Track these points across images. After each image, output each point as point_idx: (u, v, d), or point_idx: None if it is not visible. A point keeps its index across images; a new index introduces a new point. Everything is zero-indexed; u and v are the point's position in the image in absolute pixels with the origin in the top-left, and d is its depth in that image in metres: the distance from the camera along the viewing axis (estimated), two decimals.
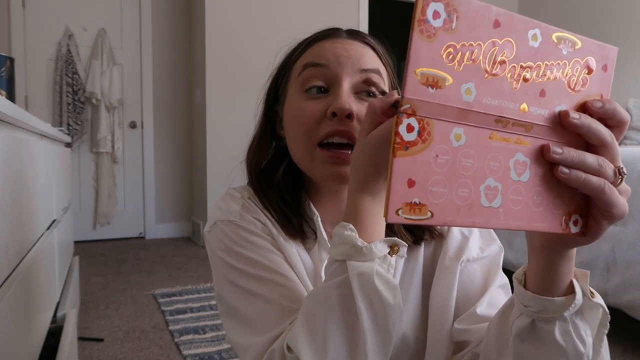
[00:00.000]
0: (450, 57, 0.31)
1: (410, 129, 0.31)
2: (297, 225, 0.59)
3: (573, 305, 0.41)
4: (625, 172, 0.36)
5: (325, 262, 0.55)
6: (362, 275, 0.42)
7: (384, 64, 0.59)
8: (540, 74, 0.34)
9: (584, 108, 0.36)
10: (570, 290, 0.42)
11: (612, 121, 0.36)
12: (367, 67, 0.55)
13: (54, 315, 1.27)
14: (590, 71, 0.36)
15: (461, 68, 0.31)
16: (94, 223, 3.76)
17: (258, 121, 0.66)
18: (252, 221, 0.58)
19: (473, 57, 0.32)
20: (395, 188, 0.30)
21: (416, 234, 0.60)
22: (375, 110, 0.42)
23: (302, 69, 0.56)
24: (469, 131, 0.32)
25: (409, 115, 0.31)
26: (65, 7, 3.59)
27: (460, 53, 0.31)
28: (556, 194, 0.36)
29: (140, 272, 2.82)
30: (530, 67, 0.34)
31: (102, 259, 3.17)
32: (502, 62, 0.33)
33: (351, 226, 0.44)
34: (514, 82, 0.33)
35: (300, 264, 0.58)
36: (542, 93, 0.34)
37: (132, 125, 3.86)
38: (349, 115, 0.52)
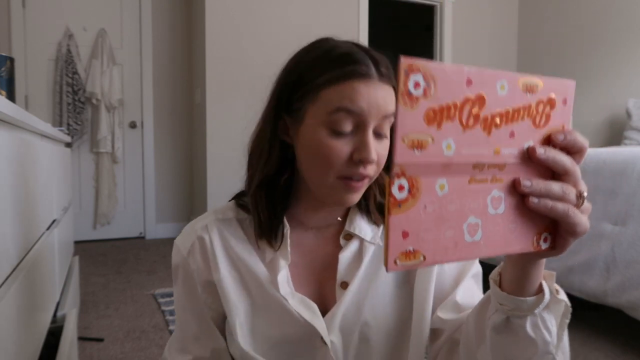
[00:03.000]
0: (431, 119, 0.35)
1: (401, 188, 0.35)
2: (275, 234, 0.66)
3: (542, 304, 0.48)
4: (586, 194, 0.42)
5: (284, 268, 0.65)
6: None
7: (395, 92, 0.62)
8: (510, 118, 0.39)
9: (548, 141, 0.41)
10: (540, 290, 0.48)
11: (573, 149, 0.41)
12: (388, 113, 0.59)
13: (54, 315, 1.27)
14: (552, 106, 0.41)
15: (441, 127, 0.36)
16: (94, 223, 3.76)
17: (261, 119, 0.67)
18: (191, 265, 0.69)
19: (450, 116, 0.36)
20: (392, 241, 0.35)
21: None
22: None
23: (334, 110, 0.57)
24: (452, 180, 0.37)
25: (399, 177, 0.35)
26: (65, 7, 3.59)
27: (439, 114, 0.35)
28: (528, 219, 0.41)
29: (140, 272, 2.82)
30: (500, 114, 0.38)
31: (102, 259, 3.17)
32: (476, 115, 0.37)
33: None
34: (487, 130, 0.38)
35: (256, 276, 0.66)
36: (512, 134, 0.39)
37: (132, 125, 3.86)
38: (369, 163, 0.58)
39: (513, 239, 0.41)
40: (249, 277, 0.67)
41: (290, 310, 0.64)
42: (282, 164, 0.65)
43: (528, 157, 0.40)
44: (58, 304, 1.34)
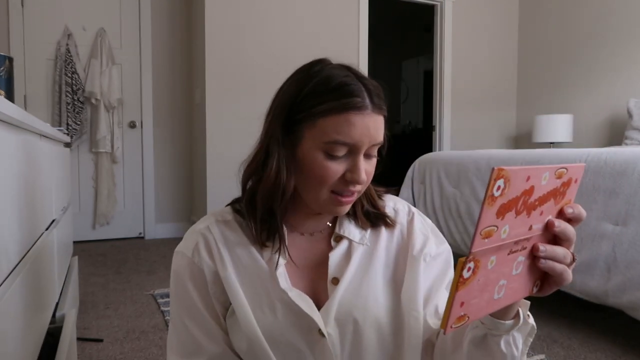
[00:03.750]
0: (500, 213, 0.42)
1: (469, 269, 0.43)
2: (265, 236, 0.71)
3: (517, 327, 0.58)
4: (577, 257, 0.53)
5: (282, 265, 0.70)
6: None
7: (386, 120, 0.70)
8: (543, 200, 0.47)
9: (560, 212, 0.51)
10: (516, 315, 0.58)
11: (575, 220, 0.52)
12: (377, 142, 0.66)
13: (53, 316, 1.27)
14: (569, 186, 0.50)
15: (504, 218, 0.43)
16: (94, 223, 3.76)
17: (260, 139, 0.71)
18: (196, 264, 0.71)
19: (510, 207, 0.43)
20: (453, 312, 0.43)
21: (373, 221, 0.75)
22: None
23: (331, 141, 0.64)
24: (498, 256, 0.45)
25: (469, 261, 0.42)
26: (64, 6, 3.59)
27: (505, 207, 0.42)
28: (531, 272, 0.51)
29: (140, 272, 2.82)
30: (539, 198, 0.46)
31: (102, 259, 3.16)
32: (525, 202, 0.44)
33: None
34: (528, 213, 0.46)
35: (258, 271, 0.70)
36: (541, 213, 0.47)
37: (132, 125, 3.86)
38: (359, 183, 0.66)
39: (520, 289, 0.50)
40: (251, 272, 0.70)
41: (290, 303, 0.68)
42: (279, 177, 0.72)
43: (546, 229, 0.49)
44: (57, 304, 1.34)
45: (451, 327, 0.43)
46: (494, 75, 4.56)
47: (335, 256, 0.72)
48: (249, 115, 3.35)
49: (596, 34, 3.90)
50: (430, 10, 4.43)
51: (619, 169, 1.70)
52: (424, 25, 5.77)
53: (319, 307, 0.69)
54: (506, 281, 0.47)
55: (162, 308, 2.17)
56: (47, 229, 1.18)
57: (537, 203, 0.46)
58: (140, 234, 3.92)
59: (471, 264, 0.42)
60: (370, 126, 0.65)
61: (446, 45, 4.33)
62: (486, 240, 0.42)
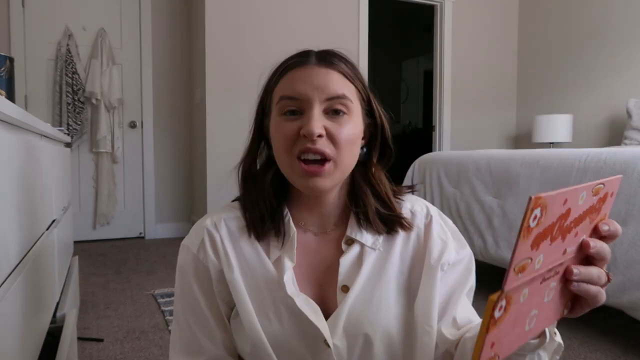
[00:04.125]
0: (535, 243, 0.38)
1: (500, 308, 0.38)
2: (270, 230, 0.69)
3: (543, 345, 0.53)
4: (612, 277, 0.48)
5: (289, 269, 0.67)
6: None
7: (351, 81, 0.67)
8: (578, 221, 0.42)
9: (594, 229, 0.46)
10: (542, 334, 0.53)
11: (610, 237, 0.47)
12: (332, 95, 0.63)
13: (54, 316, 1.27)
14: (605, 201, 0.46)
15: (539, 248, 0.38)
16: (94, 223, 3.76)
17: (250, 133, 0.74)
18: (201, 261, 0.69)
19: (546, 235, 0.38)
20: (484, 355, 0.38)
21: (387, 224, 0.70)
22: None
23: (278, 99, 0.65)
24: (531, 287, 0.40)
25: (501, 299, 0.37)
26: (64, 6, 3.59)
27: (541, 237, 0.38)
28: (563, 296, 0.46)
29: (140, 272, 2.82)
30: (575, 220, 0.42)
31: (102, 259, 3.17)
32: (561, 226, 0.40)
33: None
34: (563, 236, 0.41)
35: (264, 274, 0.68)
36: (577, 234, 0.43)
37: (132, 125, 3.86)
38: (319, 135, 0.62)
39: (551, 315, 0.46)
40: (258, 274, 0.68)
41: (297, 310, 0.65)
42: (268, 162, 0.72)
43: (580, 248, 0.45)
44: (57, 304, 1.34)
45: None
46: (494, 75, 4.56)
47: (346, 262, 0.68)
48: (249, 115, 3.33)
49: (596, 34, 3.90)
50: (430, 10, 4.43)
51: (618, 169, 1.70)
52: (424, 25, 5.77)
53: (326, 315, 0.66)
54: (537, 310, 0.43)
55: (162, 308, 2.17)
56: (47, 229, 1.18)
57: (572, 225, 0.42)
58: (140, 234, 3.92)
59: (503, 302, 0.38)
60: (315, 78, 0.64)
61: (446, 45, 4.33)
62: (519, 275, 0.38)
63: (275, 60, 0.70)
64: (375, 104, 0.70)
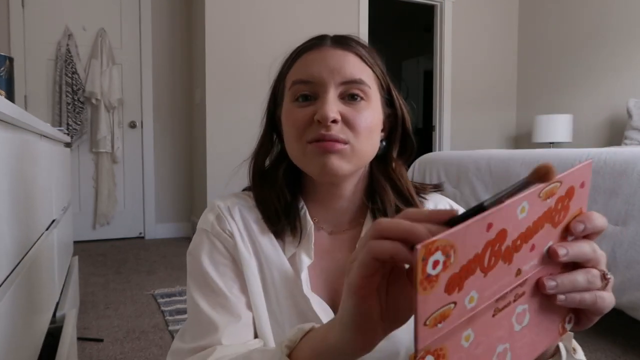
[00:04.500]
0: (452, 286, 0.31)
1: None
2: (286, 226, 0.63)
3: None
4: (609, 275, 0.40)
5: (305, 268, 0.61)
6: None
7: (370, 66, 0.62)
8: (530, 234, 0.35)
9: (566, 229, 0.38)
10: (557, 350, 0.46)
11: (593, 235, 0.39)
12: (348, 79, 0.59)
13: (54, 316, 1.27)
14: (571, 196, 0.38)
15: (463, 287, 0.31)
16: (94, 223, 3.76)
17: (262, 126, 0.69)
18: (220, 233, 0.63)
19: (472, 270, 0.32)
20: None
21: None
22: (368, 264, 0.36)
23: (291, 84, 0.61)
24: (476, 326, 0.34)
25: (426, 353, 0.31)
26: (64, 6, 3.59)
27: (462, 276, 0.31)
28: (551, 312, 0.39)
29: (140, 272, 2.82)
30: (520, 236, 0.34)
31: (102, 259, 3.17)
32: (497, 252, 0.33)
33: (288, 343, 0.44)
34: (508, 260, 0.34)
35: (280, 270, 0.62)
36: (532, 247, 0.35)
37: (132, 125, 3.86)
38: (334, 121, 0.57)
39: (540, 340, 0.39)
40: (273, 270, 0.63)
41: (311, 313, 0.60)
42: (281, 159, 0.67)
43: (548, 258, 0.37)
44: (57, 304, 1.34)
45: None
46: (494, 75, 4.56)
47: None
48: (249, 115, 3.35)
49: (596, 34, 3.90)
50: (430, 10, 4.43)
51: (618, 169, 1.70)
52: (424, 25, 5.77)
53: None
54: (508, 344, 0.36)
55: (162, 308, 2.17)
56: (47, 229, 1.18)
57: (518, 242, 0.34)
58: (140, 234, 3.92)
59: (429, 358, 0.31)
60: (330, 60, 0.59)
61: (446, 45, 4.33)
62: (440, 325, 0.31)
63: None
64: (396, 93, 0.65)
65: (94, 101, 3.65)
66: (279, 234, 0.64)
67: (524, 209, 0.34)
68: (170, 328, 1.93)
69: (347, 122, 0.58)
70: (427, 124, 5.78)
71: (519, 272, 0.35)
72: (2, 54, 1.23)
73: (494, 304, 0.34)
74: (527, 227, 0.34)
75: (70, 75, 3.55)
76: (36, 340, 0.93)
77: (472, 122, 4.48)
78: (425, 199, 0.68)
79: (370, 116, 0.60)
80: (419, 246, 0.28)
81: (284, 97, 0.64)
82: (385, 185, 0.65)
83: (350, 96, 0.59)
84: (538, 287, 0.37)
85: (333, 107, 0.57)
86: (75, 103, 3.58)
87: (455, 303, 0.31)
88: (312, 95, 0.60)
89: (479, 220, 0.31)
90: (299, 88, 0.60)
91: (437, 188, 0.71)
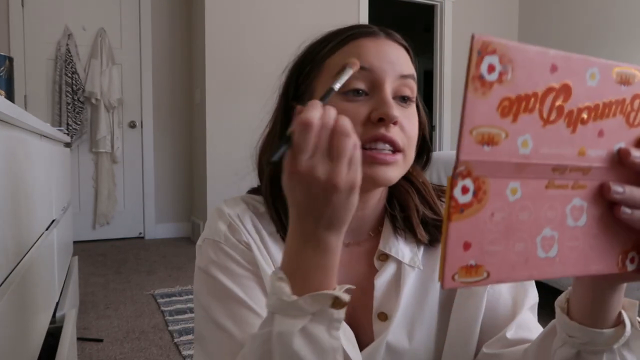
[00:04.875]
0: (506, 110, 0.29)
1: (465, 190, 0.29)
2: None
3: (622, 338, 0.41)
4: None
5: None
6: (282, 335, 0.40)
7: (414, 65, 0.57)
8: (599, 113, 0.33)
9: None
10: (619, 321, 0.42)
11: None
12: (406, 72, 0.53)
13: (53, 316, 1.27)
14: None
15: (517, 120, 0.30)
16: (94, 223, 3.76)
17: (272, 116, 0.61)
18: (236, 245, 0.56)
19: (529, 107, 0.30)
20: (451, 253, 0.29)
21: (433, 234, 0.58)
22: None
23: (341, 69, 0.51)
24: (526, 184, 0.31)
25: (463, 177, 0.29)
26: (64, 6, 3.58)
27: (516, 105, 0.30)
28: (613, 234, 0.35)
29: (140, 272, 2.82)
30: (588, 108, 0.32)
31: (102, 259, 3.16)
32: (560, 107, 0.31)
33: (282, 274, 0.41)
34: (572, 126, 0.32)
35: None
36: (601, 133, 0.33)
37: (132, 125, 3.86)
38: (395, 122, 0.51)
39: (594, 257, 0.35)
40: None
41: None
42: None
43: (618, 161, 0.34)
44: (57, 304, 1.34)
45: (453, 279, 0.29)
46: None
47: (381, 283, 0.56)
48: (249, 115, 3.34)
49: (596, 34, 3.90)
50: (430, 10, 4.43)
51: None
52: (424, 25, 5.77)
53: (358, 342, 0.52)
54: (557, 233, 0.33)
55: (162, 308, 2.17)
56: (47, 229, 1.18)
57: (585, 115, 0.32)
58: (140, 234, 3.92)
59: (468, 182, 0.29)
60: (389, 51, 0.53)
61: (446, 45, 4.33)
62: (485, 147, 0.29)
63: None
64: (419, 97, 0.61)
65: (93, 101, 3.65)
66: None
67: (594, 76, 0.32)
68: (170, 328, 1.93)
69: (401, 127, 0.52)
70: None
71: (582, 152, 0.33)
72: (2, 54, 1.23)
73: (549, 173, 0.32)
74: (595, 104, 0.32)
75: (70, 75, 3.55)
76: (36, 340, 0.93)
77: None
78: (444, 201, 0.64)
79: (417, 122, 0.55)
80: (476, 36, 0.27)
81: (314, 85, 0.55)
82: (410, 190, 0.60)
83: (401, 98, 0.53)
84: (602, 192, 0.34)
85: (395, 106, 0.51)
86: (75, 103, 3.58)
87: (507, 134, 0.30)
88: (364, 90, 0.52)
89: (543, 52, 0.30)
90: (352, 75, 0.51)
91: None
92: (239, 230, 0.57)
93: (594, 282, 0.40)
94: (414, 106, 0.55)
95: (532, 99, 0.30)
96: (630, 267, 0.36)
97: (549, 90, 0.30)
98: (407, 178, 0.61)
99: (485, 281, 0.31)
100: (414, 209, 0.58)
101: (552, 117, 0.31)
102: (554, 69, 0.30)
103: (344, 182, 0.38)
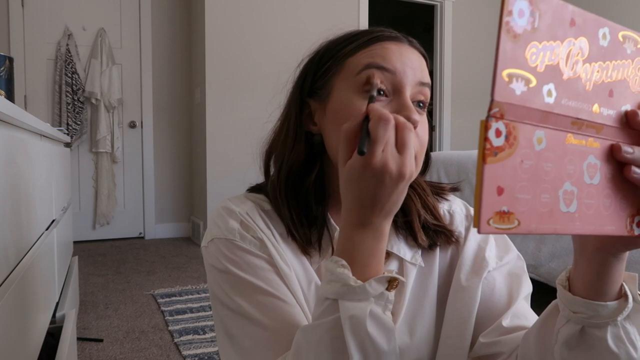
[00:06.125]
0: (534, 57, 0.30)
1: (498, 133, 0.30)
2: (312, 241, 0.57)
3: (625, 310, 0.42)
4: None
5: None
6: (354, 319, 0.42)
7: (430, 74, 0.58)
8: (609, 74, 0.34)
9: None
10: (621, 294, 0.42)
11: None
12: (425, 80, 0.54)
13: (53, 316, 1.27)
14: None
15: (543, 68, 0.31)
16: (94, 223, 3.76)
17: (284, 111, 0.61)
18: (251, 240, 0.56)
19: (553, 57, 0.31)
20: (486, 197, 0.30)
21: (432, 238, 0.59)
22: (350, 136, 0.44)
23: (364, 67, 0.53)
24: (549, 134, 0.32)
25: (497, 119, 0.30)
26: (64, 6, 3.59)
27: (542, 53, 0.31)
28: (622, 196, 0.36)
29: (140, 272, 2.82)
30: (600, 67, 0.34)
31: (102, 259, 3.17)
32: (577, 62, 0.33)
33: (344, 262, 0.44)
34: (588, 83, 0.33)
35: (301, 285, 0.56)
36: (611, 93, 0.34)
37: (132, 125, 3.86)
38: (415, 127, 0.51)
39: (607, 217, 0.35)
40: (300, 278, 0.56)
41: None
42: (310, 158, 0.58)
43: (626, 123, 0.35)
44: (57, 304, 1.34)
45: (488, 223, 0.29)
46: None
47: None
48: (249, 115, 3.35)
49: None
50: (430, 10, 4.43)
51: None
52: (424, 25, 5.77)
53: None
54: (576, 189, 0.34)
55: (162, 308, 2.17)
56: (47, 229, 1.18)
57: (597, 73, 0.33)
58: (140, 234, 3.92)
59: (501, 126, 0.30)
60: (411, 57, 0.54)
61: (446, 45, 4.33)
62: (517, 90, 0.30)
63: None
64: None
65: (93, 101, 3.65)
66: (303, 246, 0.57)
67: (605, 36, 0.33)
68: (170, 328, 1.93)
69: (416, 133, 0.52)
70: None
71: (596, 109, 0.34)
72: (2, 53, 1.23)
73: (569, 126, 0.33)
74: (606, 63, 0.34)
75: (70, 75, 3.55)
76: (36, 341, 0.93)
77: (472, 122, 4.48)
78: (446, 199, 0.65)
79: (427, 130, 0.56)
80: None
81: (332, 82, 0.56)
82: (412, 195, 0.61)
83: (417, 104, 0.54)
84: (613, 153, 0.35)
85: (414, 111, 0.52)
86: (75, 103, 3.58)
87: (535, 80, 0.31)
88: (385, 90, 0.52)
89: (563, 5, 0.31)
90: (374, 74, 0.52)
91: (455, 190, 0.67)
92: (252, 227, 0.57)
93: (598, 251, 0.41)
94: (425, 114, 0.56)
95: (555, 49, 0.31)
96: (637, 231, 0.37)
97: (569, 43, 0.32)
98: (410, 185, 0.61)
99: (517, 229, 0.31)
100: (416, 214, 0.59)
101: (571, 70, 0.32)
102: (572, 23, 0.32)
103: (409, 172, 0.42)
